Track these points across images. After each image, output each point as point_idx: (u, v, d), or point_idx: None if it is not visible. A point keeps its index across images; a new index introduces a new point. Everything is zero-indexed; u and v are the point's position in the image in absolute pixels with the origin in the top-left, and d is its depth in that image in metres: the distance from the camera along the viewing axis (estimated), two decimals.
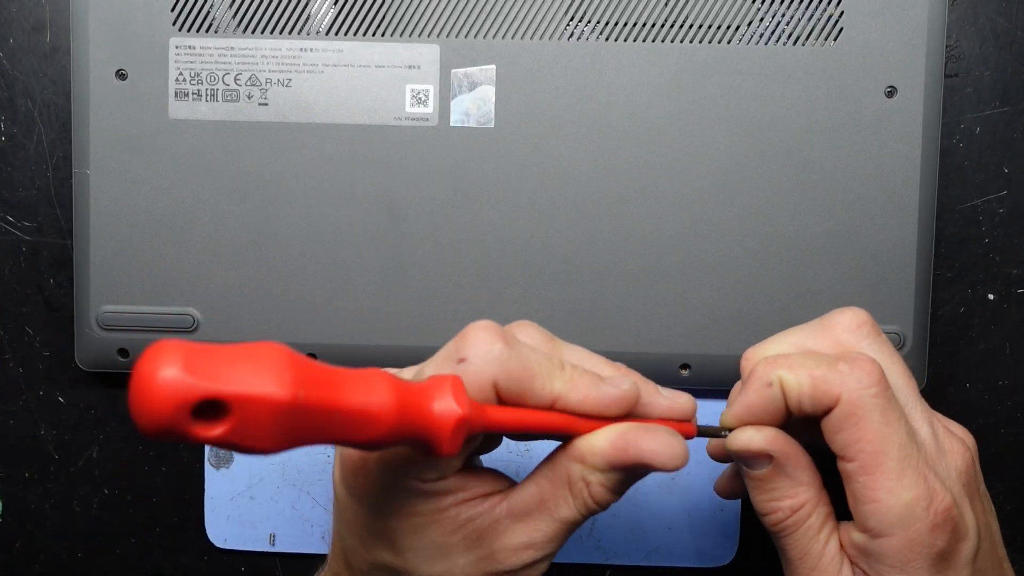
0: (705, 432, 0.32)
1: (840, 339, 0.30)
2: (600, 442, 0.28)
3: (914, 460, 0.27)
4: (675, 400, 0.30)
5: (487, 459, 0.33)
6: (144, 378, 0.22)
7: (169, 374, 0.21)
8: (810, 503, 0.30)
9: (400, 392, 0.24)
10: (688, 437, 0.31)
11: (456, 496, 0.28)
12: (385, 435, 0.24)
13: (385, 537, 0.28)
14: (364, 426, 0.23)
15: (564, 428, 0.28)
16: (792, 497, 0.30)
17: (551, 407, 0.28)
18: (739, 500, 0.45)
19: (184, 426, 0.21)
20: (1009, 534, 0.45)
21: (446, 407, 0.25)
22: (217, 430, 0.22)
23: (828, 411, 0.28)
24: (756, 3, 0.40)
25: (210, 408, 0.21)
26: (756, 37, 0.40)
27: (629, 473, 0.28)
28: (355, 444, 0.24)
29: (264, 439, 0.22)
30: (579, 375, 0.28)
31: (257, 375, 0.22)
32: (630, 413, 0.29)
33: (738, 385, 0.31)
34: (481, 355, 0.26)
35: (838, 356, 0.28)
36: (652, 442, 0.28)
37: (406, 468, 0.27)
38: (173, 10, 0.41)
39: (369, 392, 0.24)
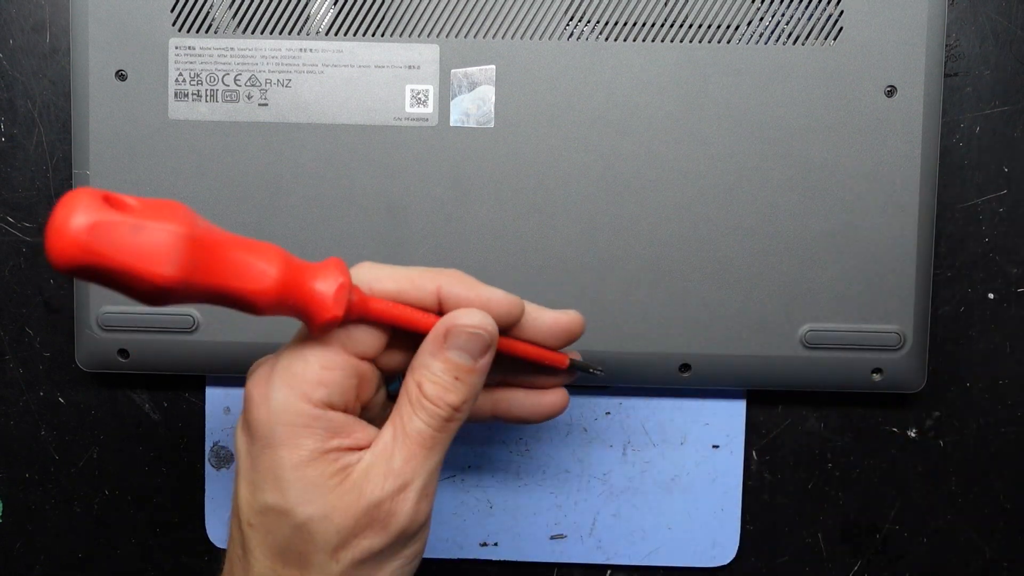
0: (577, 366, 0.34)
1: None
2: (425, 339, 0.30)
3: None
4: (562, 314, 0.32)
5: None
6: (54, 226, 0.24)
7: (75, 226, 0.24)
8: None
9: (291, 260, 0.28)
10: (560, 367, 0.33)
11: (341, 440, 0.29)
12: (272, 291, 0.27)
13: (272, 473, 0.29)
14: (254, 278, 0.27)
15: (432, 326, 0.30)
16: None
17: (438, 310, 0.30)
18: (739, 499, 0.45)
19: (81, 273, 0.24)
20: (1010, 534, 0.46)
21: (332, 277, 0.28)
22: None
23: None
24: (756, 3, 0.40)
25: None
26: (756, 37, 0.40)
27: (453, 363, 0.30)
28: (244, 300, 0.27)
29: (149, 300, 0.25)
30: (464, 277, 0.30)
31: (151, 253, 0.25)
32: (514, 327, 0.31)
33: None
34: (366, 266, 0.30)
35: None
36: (459, 312, 0.30)
37: (303, 390, 0.29)
38: (173, 11, 0.41)
39: (261, 253, 0.27)
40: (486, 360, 0.30)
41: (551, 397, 0.34)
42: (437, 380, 0.30)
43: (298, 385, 0.29)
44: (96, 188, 0.24)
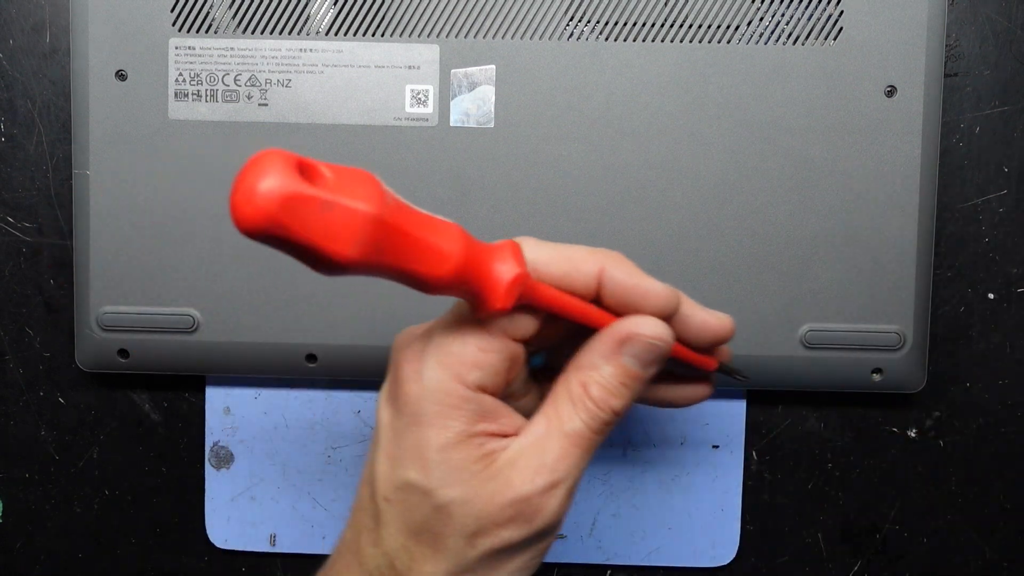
0: (724, 370, 0.33)
1: None
2: (595, 337, 0.29)
3: None
4: (712, 316, 0.31)
5: None
6: (244, 189, 0.24)
7: (266, 196, 0.23)
8: None
9: (470, 243, 0.27)
10: (708, 369, 0.32)
11: (488, 425, 0.29)
12: (449, 276, 0.26)
13: (417, 451, 0.28)
14: (433, 262, 0.26)
15: (597, 320, 0.29)
16: None
17: (596, 293, 0.29)
18: (739, 499, 0.45)
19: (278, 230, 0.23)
20: (1010, 534, 0.46)
21: (508, 264, 0.27)
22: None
23: None
24: (756, 3, 0.40)
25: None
26: (756, 37, 0.40)
27: (624, 369, 0.29)
28: (419, 281, 0.26)
29: (325, 271, 0.24)
30: (624, 261, 0.29)
31: (337, 233, 0.24)
32: (669, 320, 0.30)
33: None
34: (530, 244, 0.29)
35: None
36: (640, 320, 0.29)
37: (457, 371, 0.28)
38: (173, 11, 0.41)
39: (443, 236, 0.26)
40: (656, 368, 0.29)
41: (697, 386, 0.34)
42: (605, 383, 0.29)
43: (453, 365, 0.28)
44: (288, 152, 0.24)
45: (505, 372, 0.29)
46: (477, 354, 0.28)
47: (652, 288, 0.29)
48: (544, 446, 0.29)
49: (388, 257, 0.25)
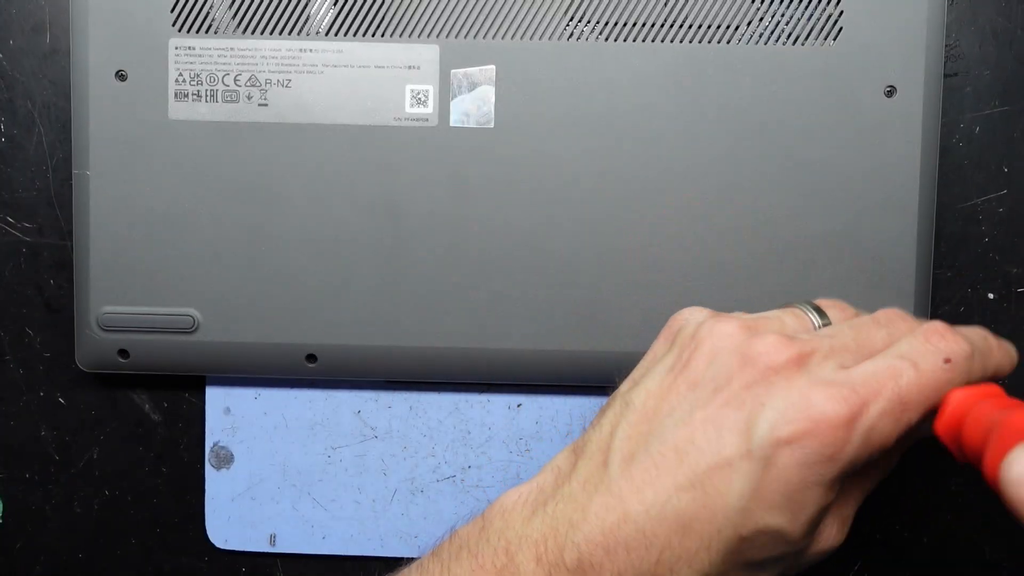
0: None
1: None
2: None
3: None
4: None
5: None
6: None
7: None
8: None
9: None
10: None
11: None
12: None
13: (798, 506, 0.28)
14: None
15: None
16: None
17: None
18: None
19: None
20: (1010, 534, 0.46)
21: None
22: None
23: None
24: (756, 3, 0.40)
25: None
26: (756, 37, 0.40)
27: None
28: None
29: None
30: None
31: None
32: None
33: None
34: (962, 357, 0.29)
35: None
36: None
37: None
38: (173, 11, 0.41)
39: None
40: None
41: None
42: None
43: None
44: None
45: None
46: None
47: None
48: (853, 498, 0.32)
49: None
